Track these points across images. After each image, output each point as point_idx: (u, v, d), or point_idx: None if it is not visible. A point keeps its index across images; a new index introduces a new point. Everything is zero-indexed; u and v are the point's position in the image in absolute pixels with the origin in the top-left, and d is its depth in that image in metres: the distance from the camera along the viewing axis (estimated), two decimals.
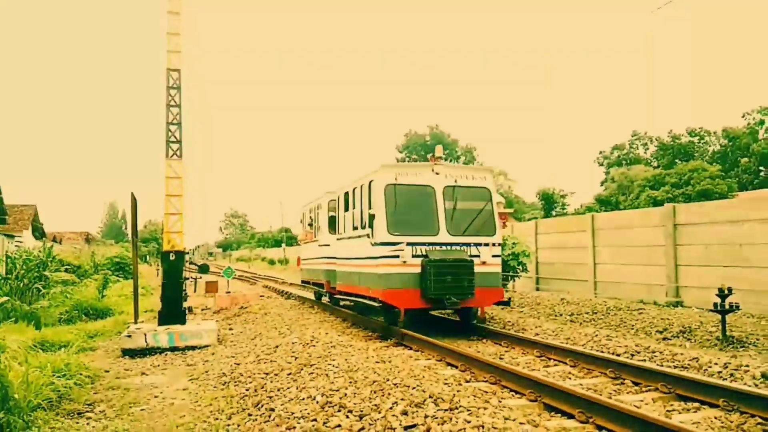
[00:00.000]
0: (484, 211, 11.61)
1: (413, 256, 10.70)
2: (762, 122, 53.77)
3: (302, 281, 20.74)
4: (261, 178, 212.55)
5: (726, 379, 7.30)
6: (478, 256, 11.13)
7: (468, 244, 11.19)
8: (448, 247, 10.98)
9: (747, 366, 7.72)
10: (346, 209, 13.46)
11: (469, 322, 11.97)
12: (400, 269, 10.67)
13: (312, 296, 20.52)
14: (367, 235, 11.25)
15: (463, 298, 10.70)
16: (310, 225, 18.20)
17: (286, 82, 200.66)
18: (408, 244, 10.72)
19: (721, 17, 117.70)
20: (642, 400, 6.52)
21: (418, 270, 10.66)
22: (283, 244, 77.06)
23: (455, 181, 11.46)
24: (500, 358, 9.09)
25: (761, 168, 48.32)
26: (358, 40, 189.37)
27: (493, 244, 11.44)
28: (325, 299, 17.90)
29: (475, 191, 11.65)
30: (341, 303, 15.57)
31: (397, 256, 10.64)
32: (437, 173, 11.37)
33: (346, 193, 13.43)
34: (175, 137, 12.57)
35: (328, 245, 15.49)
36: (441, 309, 11.79)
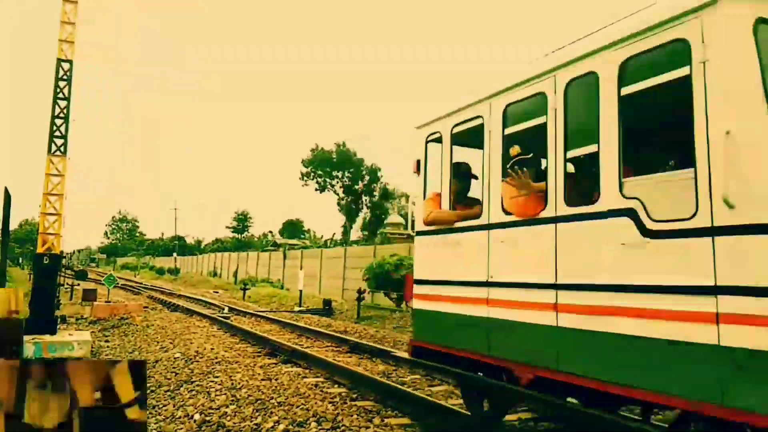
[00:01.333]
0: None
1: None
2: None
3: (414, 349, 5.63)
4: (155, 181, 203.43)
5: None
6: None
7: None
8: None
9: None
10: None
11: None
12: None
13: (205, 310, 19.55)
14: None
15: None
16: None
17: (195, 86, 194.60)
18: None
19: None
20: None
21: None
22: (175, 254, 73.76)
23: None
24: None
25: None
26: (273, 45, 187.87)
27: None
28: None
29: None
30: None
31: None
32: None
33: None
34: (60, 132, 11.76)
35: None
36: None
